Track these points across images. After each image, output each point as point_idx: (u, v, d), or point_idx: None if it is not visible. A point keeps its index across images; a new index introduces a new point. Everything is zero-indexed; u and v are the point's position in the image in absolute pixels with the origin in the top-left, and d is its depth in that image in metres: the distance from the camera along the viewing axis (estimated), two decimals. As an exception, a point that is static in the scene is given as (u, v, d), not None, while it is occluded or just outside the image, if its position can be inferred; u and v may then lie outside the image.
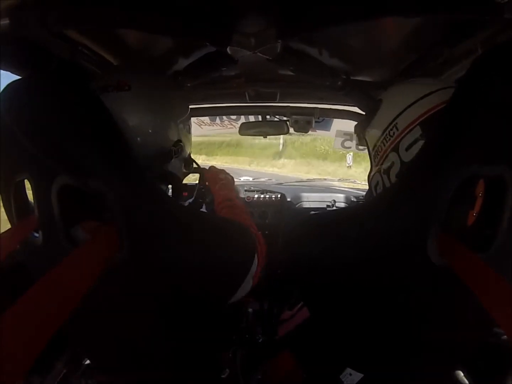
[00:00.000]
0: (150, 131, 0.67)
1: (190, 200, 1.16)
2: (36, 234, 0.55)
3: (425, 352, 0.51)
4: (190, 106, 1.42)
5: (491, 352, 0.47)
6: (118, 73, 0.68)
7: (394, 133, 0.57)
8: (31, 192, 0.51)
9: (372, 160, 0.67)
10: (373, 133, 0.65)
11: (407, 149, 0.54)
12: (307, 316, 0.71)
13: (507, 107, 0.38)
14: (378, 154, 0.62)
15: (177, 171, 0.77)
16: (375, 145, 0.64)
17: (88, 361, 0.87)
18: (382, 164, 0.61)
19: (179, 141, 0.73)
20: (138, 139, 0.65)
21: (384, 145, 0.60)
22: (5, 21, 0.57)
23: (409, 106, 0.55)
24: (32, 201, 0.51)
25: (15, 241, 0.55)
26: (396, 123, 0.57)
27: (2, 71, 0.69)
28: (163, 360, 0.58)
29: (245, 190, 1.84)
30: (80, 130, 0.46)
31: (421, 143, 0.52)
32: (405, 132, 0.55)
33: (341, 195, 1.85)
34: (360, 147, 0.73)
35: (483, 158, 0.40)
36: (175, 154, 0.72)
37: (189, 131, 0.82)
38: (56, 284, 0.38)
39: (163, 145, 0.70)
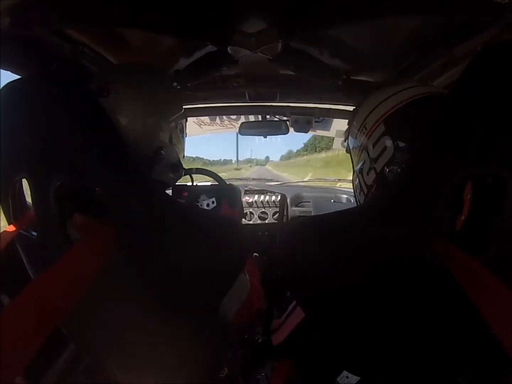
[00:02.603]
0: (132, 136, 0.64)
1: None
2: (34, 233, 0.55)
3: (422, 355, 0.51)
4: (191, 106, 1.43)
5: (490, 356, 0.47)
6: (101, 77, 0.66)
7: (363, 133, 0.61)
8: (29, 192, 0.51)
9: (353, 163, 0.70)
10: (351, 137, 0.69)
11: (373, 146, 0.58)
12: (297, 322, 0.71)
13: (503, 107, 0.38)
14: (355, 155, 0.66)
15: (162, 177, 0.74)
16: (352, 147, 0.68)
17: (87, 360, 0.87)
18: (357, 164, 0.64)
19: (160, 148, 0.69)
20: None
21: (358, 144, 0.64)
22: (6, 21, 0.57)
23: (375, 107, 0.59)
24: (30, 200, 0.51)
25: (10, 235, 0.56)
26: (365, 124, 0.61)
27: (2, 70, 0.69)
28: (162, 359, 0.58)
29: (246, 191, 1.83)
30: (77, 130, 0.46)
31: (384, 138, 0.55)
32: (372, 130, 0.58)
33: (342, 196, 1.85)
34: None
35: (480, 159, 0.40)
36: (155, 163, 0.68)
37: (182, 132, 0.79)
38: (55, 281, 0.38)
39: (144, 150, 0.67)
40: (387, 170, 0.54)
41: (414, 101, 0.54)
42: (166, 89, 0.74)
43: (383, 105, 0.58)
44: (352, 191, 2.04)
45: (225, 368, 0.74)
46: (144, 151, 0.67)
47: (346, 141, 0.75)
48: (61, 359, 0.86)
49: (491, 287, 0.37)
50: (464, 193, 0.47)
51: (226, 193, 1.12)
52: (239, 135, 1.64)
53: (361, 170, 0.62)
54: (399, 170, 0.53)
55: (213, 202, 1.34)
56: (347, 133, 0.74)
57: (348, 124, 0.73)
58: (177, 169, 0.80)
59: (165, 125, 0.70)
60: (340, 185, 2.31)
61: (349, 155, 0.74)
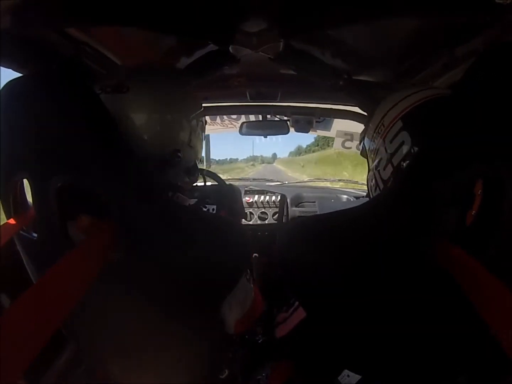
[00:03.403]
0: (149, 134, 0.63)
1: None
2: (34, 234, 0.55)
3: (423, 355, 0.51)
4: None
5: (490, 356, 0.47)
6: (120, 74, 0.67)
7: (381, 130, 0.63)
8: (29, 192, 0.51)
9: (369, 162, 0.70)
10: (367, 139, 0.70)
11: (391, 141, 0.59)
12: (302, 317, 0.71)
13: (503, 108, 0.38)
14: (372, 154, 0.67)
15: (177, 180, 0.73)
16: (369, 147, 0.69)
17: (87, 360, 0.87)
18: (374, 161, 0.65)
19: (177, 150, 0.67)
20: (138, 140, 0.62)
21: (375, 143, 0.65)
22: (7, 20, 0.57)
23: (393, 106, 0.61)
24: (31, 200, 0.51)
25: (11, 230, 0.55)
26: (383, 121, 0.63)
27: (2, 68, 0.69)
28: (162, 360, 0.58)
29: (246, 191, 1.83)
30: (78, 130, 0.45)
31: (402, 134, 0.56)
32: (390, 126, 0.60)
33: (343, 196, 1.85)
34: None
35: (481, 158, 0.40)
36: (171, 165, 0.67)
37: (202, 131, 0.77)
38: (55, 283, 0.38)
39: (162, 150, 0.66)
40: (404, 164, 0.55)
41: (432, 99, 0.55)
42: (184, 87, 0.74)
43: (400, 104, 0.60)
44: (353, 191, 2.03)
45: (225, 369, 0.74)
46: (161, 153, 0.66)
47: (362, 143, 0.76)
48: (61, 359, 0.86)
49: (491, 287, 0.37)
50: (475, 188, 0.47)
51: (226, 199, 1.11)
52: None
53: (377, 166, 0.63)
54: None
55: (213, 210, 1.34)
56: (363, 135, 0.74)
57: (365, 125, 0.75)
58: (193, 173, 0.78)
59: (185, 124, 0.69)
60: (340, 186, 2.31)
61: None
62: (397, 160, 0.56)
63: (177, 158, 0.67)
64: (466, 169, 0.40)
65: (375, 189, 0.65)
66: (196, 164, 0.79)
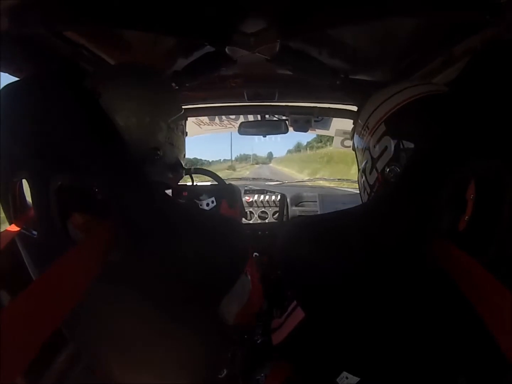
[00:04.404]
0: (127, 133, 0.63)
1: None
2: (34, 232, 0.55)
3: (422, 355, 0.51)
4: (190, 106, 1.43)
5: (490, 356, 0.47)
6: (93, 78, 0.66)
7: (366, 133, 0.62)
8: (29, 192, 0.51)
9: (357, 160, 0.71)
10: (356, 136, 0.70)
11: (375, 146, 0.58)
12: (298, 321, 0.71)
13: (501, 105, 0.38)
14: (359, 153, 0.67)
15: (160, 177, 0.73)
16: (357, 145, 0.69)
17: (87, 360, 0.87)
18: (362, 162, 0.65)
19: (156, 148, 0.68)
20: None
21: (361, 143, 0.65)
22: (6, 21, 0.57)
23: (377, 107, 0.60)
24: (30, 200, 0.51)
25: (11, 234, 0.56)
26: (368, 123, 0.62)
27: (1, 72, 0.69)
28: (161, 360, 0.58)
29: (246, 191, 1.83)
30: (77, 130, 0.46)
31: (385, 139, 0.56)
32: (373, 130, 0.59)
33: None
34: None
35: (479, 157, 0.40)
36: (150, 163, 0.68)
37: (182, 133, 0.78)
38: (55, 282, 0.38)
39: (140, 151, 0.66)
40: (388, 170, 0.55)
41: (413, 101, 0.54)
42: (163, 89, 0.73)
43: (384, 105, 0.59)
44: (352, 190, 2.03)
45: (224, 369, 0.74)
46: (140, 152, 0.66)
47: (352, 139, 0.75)
48: (61, 359, 0.86)
49: (490, 288, 0.37)
50: (467, 193, 0.47)
51: (225, 193, 1.11)
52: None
53: (364, 169, 0.63)
54: (399, 170, 0.53)
55: (212, 202, 1.34)
56: (353, 131, 0.74)
57: (353, 123, 0.74)
58: (177, 169, 0.78)
59: (163, 126, 0.69)
60: (339, 185, 2.30)
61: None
62: (381, 166, 0.56)
63: (156, 156, 0.68)
64: (459, 170, 0.41)
65: (364, 192, 0.65)
66: (180, 161, 0.79)
